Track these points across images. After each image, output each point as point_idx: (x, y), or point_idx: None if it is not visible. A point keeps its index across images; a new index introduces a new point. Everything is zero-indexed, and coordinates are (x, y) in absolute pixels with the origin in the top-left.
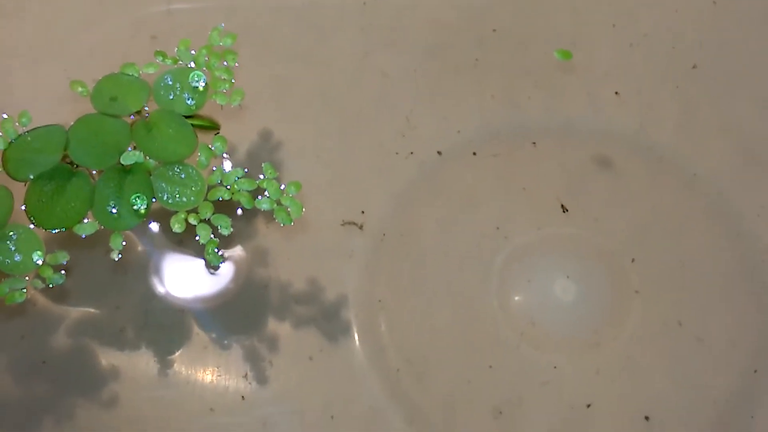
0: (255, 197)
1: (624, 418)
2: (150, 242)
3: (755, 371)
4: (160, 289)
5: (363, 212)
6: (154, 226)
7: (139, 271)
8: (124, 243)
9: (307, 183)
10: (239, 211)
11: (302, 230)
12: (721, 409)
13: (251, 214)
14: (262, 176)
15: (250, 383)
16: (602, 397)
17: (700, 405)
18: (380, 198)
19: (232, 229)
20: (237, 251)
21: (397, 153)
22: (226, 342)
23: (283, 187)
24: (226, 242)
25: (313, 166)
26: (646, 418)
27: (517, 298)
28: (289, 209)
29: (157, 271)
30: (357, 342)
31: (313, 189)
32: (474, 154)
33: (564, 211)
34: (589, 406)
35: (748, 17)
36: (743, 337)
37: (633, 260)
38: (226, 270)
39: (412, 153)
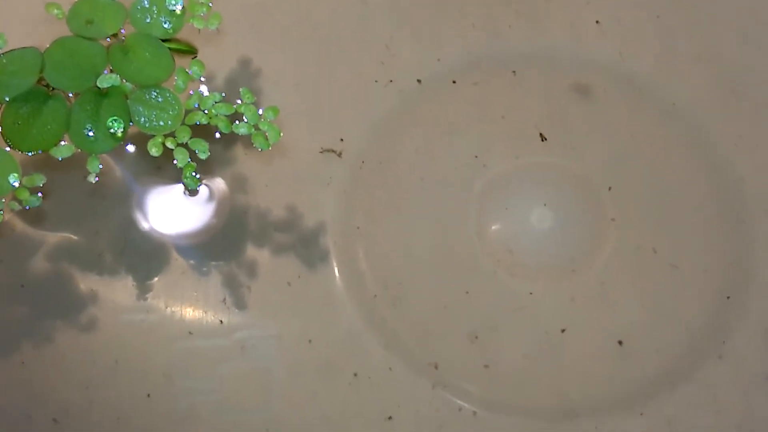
0: (233, 122)
1: (597, 342)
2: (129, 168)
3: (728, 297)
4: (139, 215)
5: (342, 140)
6: (133, 151)
7: (118, 197)
8: (101, 166)
9: (286, 110)
10: (217, 135)
11: (281, 157)
12: (693, 333)
13: (230, 141)
14: (239, 101)
15: (228, 308)
16: (576, 323)
17: (673, 330)
18: (359, 125)
19: (209, 153)
20: (216, 178)
21: (376, 81)
22: (204, 268)
23: (260, 111)
24: (205, 169)
25: (292, 93)
26: (620, 342)
27: (494, 225)
28: (267, 134)
29: (137, 197)
30: (335, 268)
31: (291, 116)
32: (454, 82)
33: (543, 140)
34: (563, 331)
35: None
36: (716, 263)
37: (610, 188)
38: (205, 196)
39: (391, 81)
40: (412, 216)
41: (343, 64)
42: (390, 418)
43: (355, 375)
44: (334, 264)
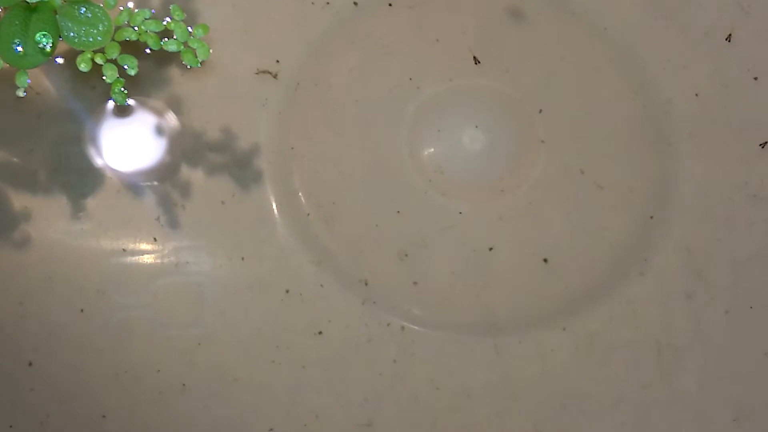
0: (164, 39)
1: (524, 260)
2: (63, 86)
3: (651, 217)
4: (73, 133)
5: (278, 61)
6: (67, 70)
7: (52, 115)
8: (29, 81)
9: (222, 31)
10: (147, 51)
11: (217, 79)
12: (617, 252)
13: (165, 62)
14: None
15: (162, 226)
16: (504, 241)
17: (597, 248)
18: (295, 47)
19: (138, 69)
20: (152, 98)
21: (313, 3)
22: (139, 187)
23: (190, 29)
24: (141, 89)
25: (229, 14)
26: (545, 260)
27: (426, 146)
28: (196, 51)
29: (71, 115)
30: (269, 188)
31: (227, 37)
32: (390, 5)
33: (476, 63)
34: (491, 249)
35: None
36: (641, 185)
37: (540, 111)
38: (141, 115)
39: (328, 3)
40: (346, 136)
41: None
42: (320, 332)
43: (287, 291)
44: (268, 184)
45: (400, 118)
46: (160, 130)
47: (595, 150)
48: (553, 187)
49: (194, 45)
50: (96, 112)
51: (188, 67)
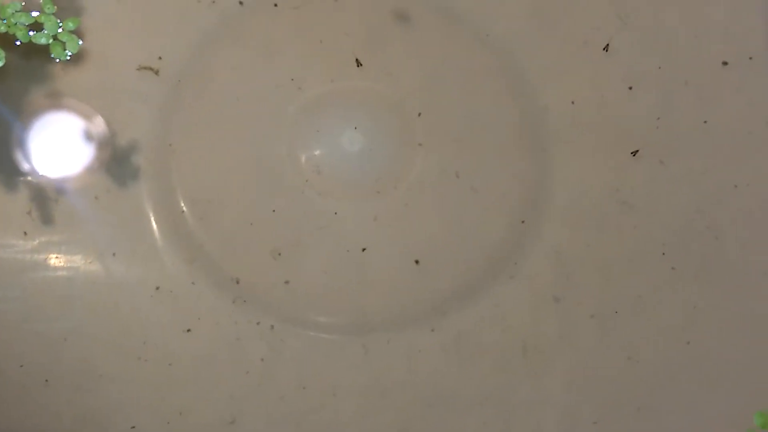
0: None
1: (396, 261)
2: None
3: (523, 221)
4: None
5: (160, 58)
6: None
7: None
8: None
9: (106, 26)
10: (18, 43)
11: (97, 74)
12: (488, 255)
13: (45, 56)
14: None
15: (33, 220)
16: (378, 242)
17: (470, 251)
18: (178, 45)
19: (4, 61)
20: (31, 93)
21: (198, 1)
22: (11, 180)
23: (61, 22)
24: (21, 84)
25: (113, 9)
26: (417, 261)
27: (305, 146)
28: (66, 44)
29: None
30: (145, 184)
31: (111, 32)
32: (275, 5)
33: (358, 65)
34: (364, 249)
35: None
36: (515, 189)
37: (420, 114)
38: (19, 108)
39: (213, 2)
40: (226, 135)
41: None
42: (189, 330)
43: (158, 288)
44: (144, 180)
45: (281, 118)
46: (38, 124)
47: (472, 154)
48: (428, 189)
49: (64, 38)
50: None
51: (57, 60)
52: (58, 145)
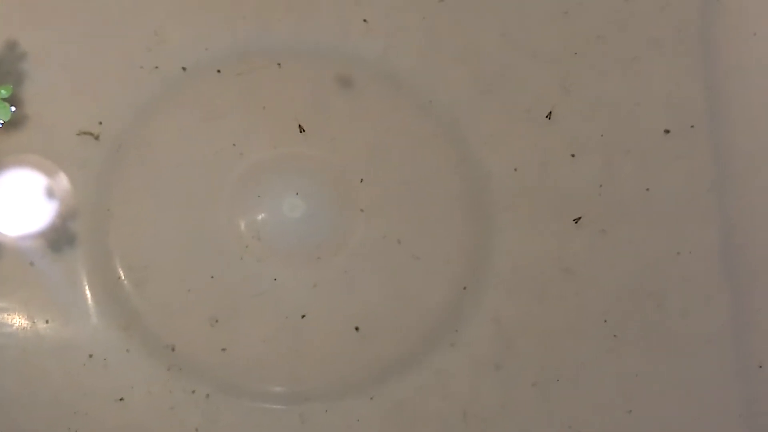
0: None
1: (335, 328)
2: None
3: (464, 288)
4: None
5: (101, 123)
6: None
7: None
8: None
9: (48, 91)
10: None
11: (37, 138)
12: (430, 322)
13: None
14: None
15: None
16: (317, 309)
17: (410, 318)
18: (120, 110)
19: None
20: None
21: (141, 67)
22: None
23: None
24: None
25: (56, 74)
26: (356, 328)
27: (246, 213)
28: None
29: None
30: (81, 249)
31: (52, 98)
32: (219, 71)
33: (301, 131)
34: (303, 316)
35: None
36: (457, 256)
37: (362, 180)
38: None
39: (156, 67)
40: (165, 201)
41: (110, 48)
42: (122, 399)
43: (91, 356)
44: (81, 245)
45: (222, 184)
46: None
47: (414, 220)
48: (369, 255)
49: None
50: None
51: None
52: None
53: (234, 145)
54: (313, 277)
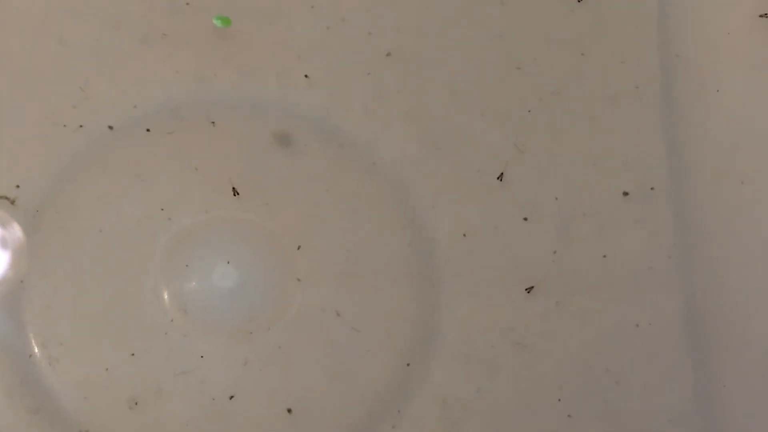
0: None
1: (266, 410)
2: None
3: (408, 364)
4: None
5: (18, 186)
6: None
7: None
8: None
9: None
10: None
11: None
12: (370, 402)
13: None
14: None
15: None
16: (247, 389)
17: (349, 397)
18: (40, 172)
19: None
20: None
21: (65, 125)
22: None
23: None
24: None
25: None
26: (289, 410)
27: (172, 283)
28: None
29: None
30: None
31: None
32: (148, 130)
33: (235, 194)
34: (232, 397)
35: (449, 5)
36: (399, 329)
37: (299, 247)
38: None
39: (81, 126)
40: (85, 270)
41: (32, 106)
42: None
43: None
44: None
45: (148, 252)
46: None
47: (355, 290)
48: (306, 329)
49: None
50: None
51: None
52: None
53: (162, 209)
54: (243, 354)
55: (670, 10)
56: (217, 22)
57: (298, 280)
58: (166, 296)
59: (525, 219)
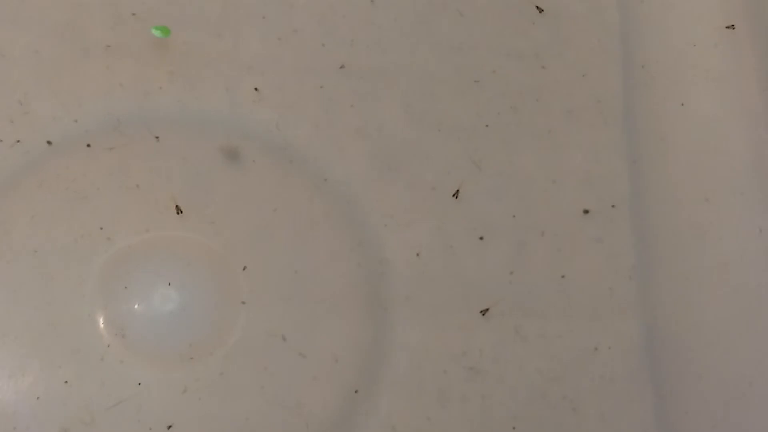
0: None
1: None
2: None
3: (356, 391)
4: None
5: None
6: None
7: None
8: None
9: None
10: None
11: None
12: (316, 431)
13: None
14: None
15: None
16: (186, 419)
17: (294, 427)
18: None
19: None
20: None
21: (1, 140)
22: None
23: None
24: None
25: None
26: None
27: (110, 306)
28: None
29: None
30: None
31: None
32: (88, 146)
33: (178, 213)
34: (170, 427)
35: (405, 17)
36: (348, 355)
37: (245, 268)
38: None
39: (18, 141)
40: (18, 294)
41: None
42: None
43: None
44: None
45: (84, 273)
46: None
47: (301, 314)
48: (250, 354)
49: None
50: None
51: None
52: None
53: (101, 228)
54: (183, 381)
55: (633, 21)
56: (156, 32)
57: (243, 302)
58: (102, 320)
59: (481, 238)
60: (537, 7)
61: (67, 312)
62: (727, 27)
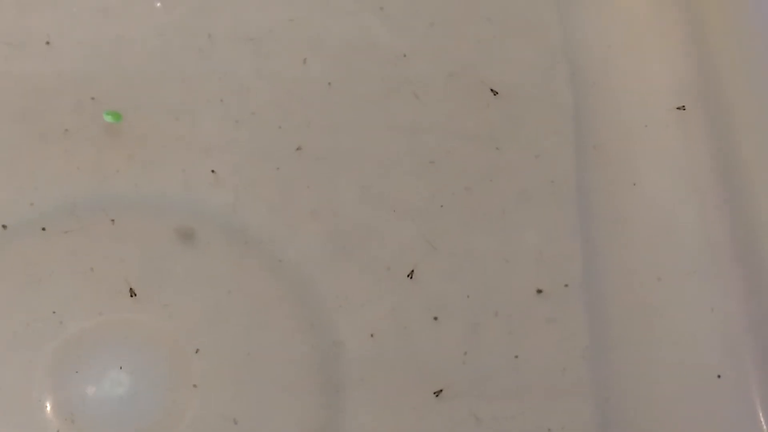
0: None
1: None
2: None
3: None
4: None
5: None
6: None
7: None
8: None
9: None
10: None
11: None
12: None
13: None
14: None
15: None
16: None
17: None
18: None
19: None
20: None
21: None
22: None
23: None
24: None
25: None
26: None
27: (60, 390)
28: None
29: None
30: None
31: None
32: (44, 229)
33: (132, 296)
34: None
35: (361, 100)
36: None
37: (197, 351)
38: None
39: None
40: None
41: None
42: None
43: None
44: None
45: (36, 358)
46: None
47: (254, 397)
48: None
49: None
50: None
51: None
52: None
53: (54, 312)
54: None
55: (585, 103)
56: (108, 118)
57: (195, 386)
58: (52, 405)
59: (435, 318)
60: (491, 90)
61: (16, 397)
62: (678, 108)
